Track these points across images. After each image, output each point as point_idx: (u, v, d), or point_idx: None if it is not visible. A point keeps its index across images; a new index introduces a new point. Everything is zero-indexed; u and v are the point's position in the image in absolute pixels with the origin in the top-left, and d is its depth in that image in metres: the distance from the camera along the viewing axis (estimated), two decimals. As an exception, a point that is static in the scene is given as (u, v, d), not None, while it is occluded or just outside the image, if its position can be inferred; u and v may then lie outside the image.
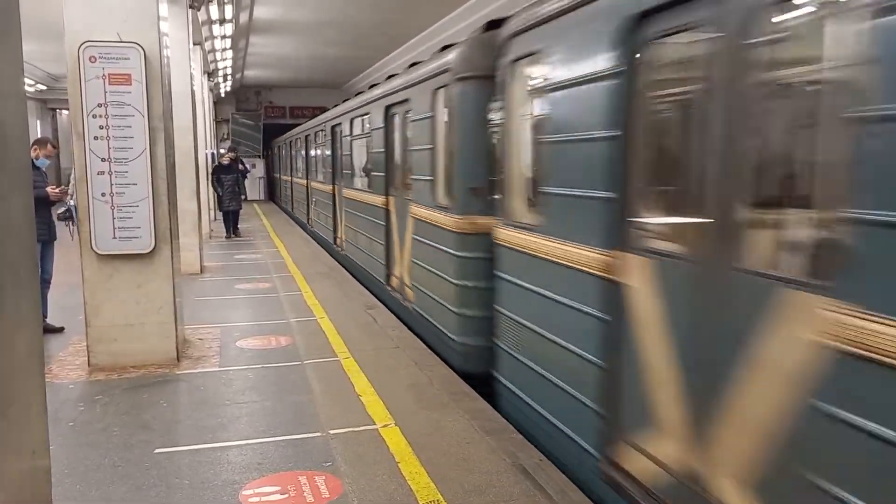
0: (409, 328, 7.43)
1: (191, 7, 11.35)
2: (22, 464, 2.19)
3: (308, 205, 17.43)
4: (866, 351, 2.13)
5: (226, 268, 11.68)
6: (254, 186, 28.29)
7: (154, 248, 5.89)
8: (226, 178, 15.80)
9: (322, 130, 14.46)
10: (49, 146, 7.19)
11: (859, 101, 2.17)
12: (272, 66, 23.99)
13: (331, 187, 13.37)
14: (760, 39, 2.67)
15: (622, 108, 3.44)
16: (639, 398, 3.38)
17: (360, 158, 10.94)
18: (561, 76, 4.06)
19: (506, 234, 4.94)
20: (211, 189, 16.30)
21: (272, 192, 31.33)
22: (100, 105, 5.66)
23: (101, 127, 5.68)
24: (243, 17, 15.64)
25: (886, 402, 2.10)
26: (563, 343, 4.09)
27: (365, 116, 10.03)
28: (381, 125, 8.74)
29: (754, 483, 2.65)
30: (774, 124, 2.99)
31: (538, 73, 4.56)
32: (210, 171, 16.22)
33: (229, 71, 22.94)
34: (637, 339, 3.41)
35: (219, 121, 29.74)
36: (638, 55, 3.35)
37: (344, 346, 6.66)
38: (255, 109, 31.61)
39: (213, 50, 17.83)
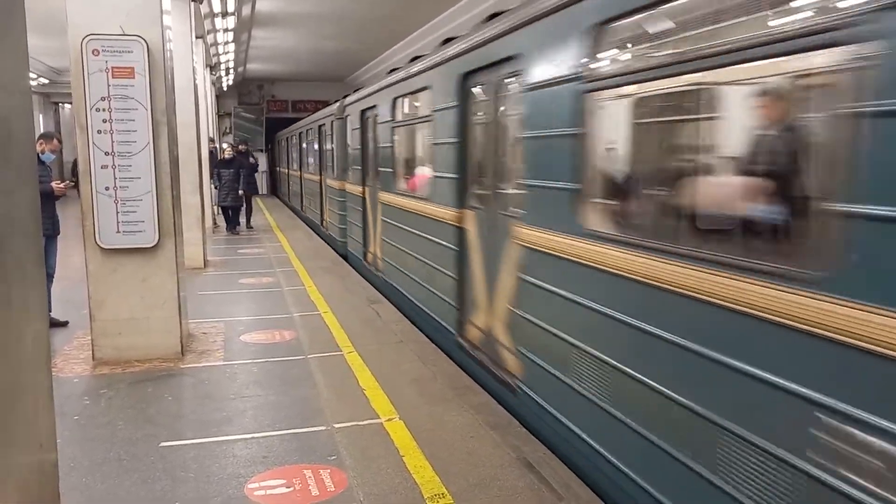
0: (329, 245, 13.59)
1: (193, 0, 11.32)
2: (30, 457, 2.20)
3: (288, 184, 24.77)
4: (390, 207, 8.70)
5: (229, 262, 11.70)
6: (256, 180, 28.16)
7: (158, 243, 5.89)
8: (225, 172, 15.40)
9: (296, 135, 21.52)
10: (55, 141, 7.17)
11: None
12: (274, 59, 23.93)
13: (299, 173, 20.55)
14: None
15: (365, 140, 10.10)
16: (364, 231, 10.33)
17: (311, 154, 17.54)
18: (353, 126, 10.88)
19: (347, 186, 11.56)
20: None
21: (275, 185, 31.28)
22: (103, 98, 5.64)
23: (104, 120, 5.66)
24: (245, 10, 15.59)
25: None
26: (356, 223, 10.79)
27: (310, 129, 17.11)
28: (317, 135, 15.72)
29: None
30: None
31: (351, 122, 11.12)
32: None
33: (232, 64, 22.90)
34: (367, 214, 10.14)
35: (221, 115, 29.67)
36: (365, 124, 10.10)
37: (347, 340, 6.68)
38: (257, 103, 31.40)
39: (216, 43, 17.78)
